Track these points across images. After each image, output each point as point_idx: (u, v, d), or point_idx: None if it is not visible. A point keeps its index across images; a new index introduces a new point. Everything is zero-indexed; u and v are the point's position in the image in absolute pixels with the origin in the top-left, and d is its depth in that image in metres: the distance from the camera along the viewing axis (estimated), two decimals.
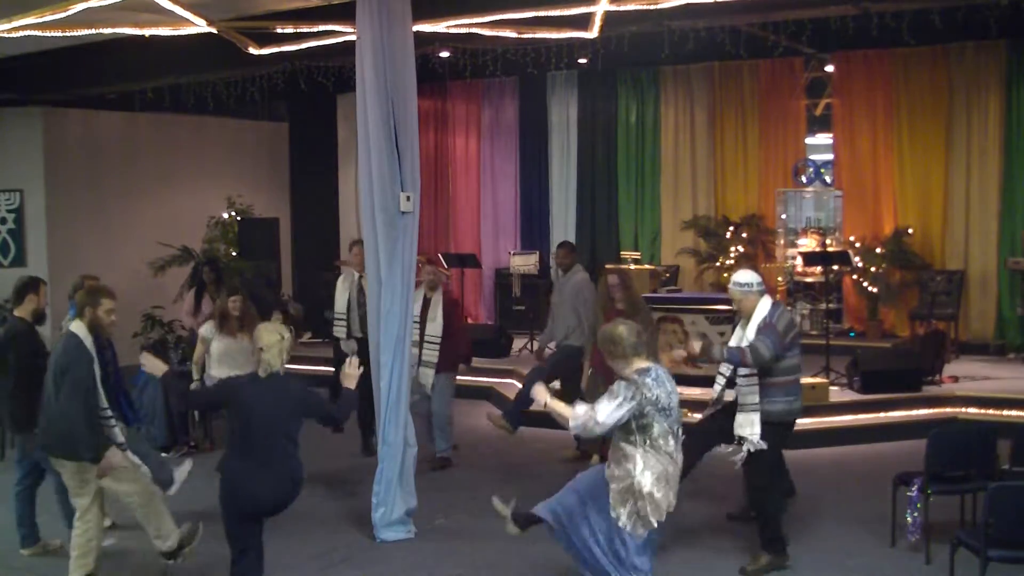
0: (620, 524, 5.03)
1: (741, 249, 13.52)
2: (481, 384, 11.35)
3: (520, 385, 10.77)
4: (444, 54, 12.54)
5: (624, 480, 5.02)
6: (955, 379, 10.56)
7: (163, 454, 8.79)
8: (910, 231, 12.95)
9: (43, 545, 6.70)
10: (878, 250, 13.00)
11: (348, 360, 5.57)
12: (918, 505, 6.26)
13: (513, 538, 5.76)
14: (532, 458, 9.00)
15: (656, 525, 5.05)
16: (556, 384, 9.19)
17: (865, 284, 13.01)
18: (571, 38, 10.22)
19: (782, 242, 13.89)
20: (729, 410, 6.36)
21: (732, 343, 6.30)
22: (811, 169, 13.77)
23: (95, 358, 5.87)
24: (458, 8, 9.16)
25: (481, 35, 9.89)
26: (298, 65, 12.29)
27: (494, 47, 11.80)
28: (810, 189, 13.79)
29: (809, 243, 13.54)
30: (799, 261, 13.13)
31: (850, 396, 10.03)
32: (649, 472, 4.98)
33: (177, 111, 14.36)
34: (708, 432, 6.56)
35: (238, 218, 14.46)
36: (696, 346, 6.12)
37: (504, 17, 9.16)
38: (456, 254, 14.38)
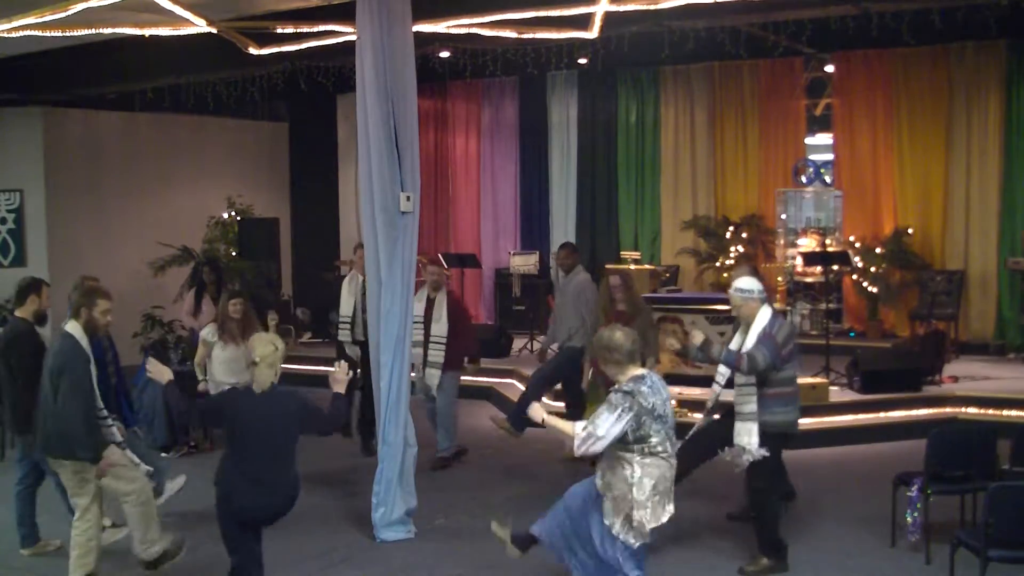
0: (614, 532, 5.01)
1: (741, 249, 13.50)
2: (481, 384, 11.34)
3: (521, 386, 10.78)
4: (444, 54, 12.55)
5: (620, 488, 5.00)
6: (955, 379, 10.56)
7: (163, 454, 8.81)
8: (910, 231, 12.95)
9: (43, 545, 6.69)
10: (878, 250, 12.99)
11: (336, 364, 5.55)
12: (918, 505, 6.26)
13: None
14: (532, 458, 9.00)
15: (650, 535, 5.04)
16: (557, 386, 9.20)
17: (865, 284, 13.01)
18: (571, 38, 10.23)
19: (782, 242, 13.88)
20: (730, 412, 6.36)
21: (732, 347, 6.30)
22: (811, 169, 13.75)
23: (91, 358, 5.87)
24: (458, 8, 9.16)
25: (481, 35, 9.89)
26: (298, 65, 12.31)
27: (494, 47, 11.81)
28: (810, 189, 13.78)
29: (809, 243, 13.53)
30: (799, 261, 13.13)
31: (850, 396, 10.02)
32: (647, 479, 4.96)
33: (177, 111, 14.37)
34: (711, 437, 6.55)
35: (238, 218, 14.46)
36: (697, 337, 6.14)
37: (504, 17, 9.16)
38: (456, 254, 14.36)
